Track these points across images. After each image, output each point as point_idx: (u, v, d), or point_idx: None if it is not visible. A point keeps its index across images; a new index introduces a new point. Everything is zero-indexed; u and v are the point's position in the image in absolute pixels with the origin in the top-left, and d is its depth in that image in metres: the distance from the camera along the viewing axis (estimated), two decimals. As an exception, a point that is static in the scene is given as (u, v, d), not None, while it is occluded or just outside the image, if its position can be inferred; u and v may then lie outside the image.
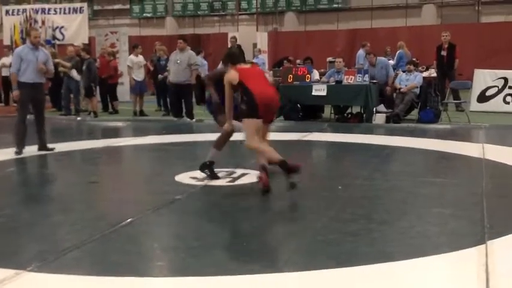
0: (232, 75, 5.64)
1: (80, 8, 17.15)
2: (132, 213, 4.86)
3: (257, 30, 22.96)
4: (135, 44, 14.47)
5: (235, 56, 5.92)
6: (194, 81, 11.73)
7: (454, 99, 12.54)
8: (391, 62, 14.59)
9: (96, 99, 13.37)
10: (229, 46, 13.85)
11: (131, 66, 13.29)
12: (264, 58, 16.76)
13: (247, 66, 5.88)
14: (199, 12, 26.34)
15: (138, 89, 13.30)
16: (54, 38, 16.87)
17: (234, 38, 15.07)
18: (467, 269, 3.53)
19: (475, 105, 12.54)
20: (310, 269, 3.57)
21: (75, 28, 16.96)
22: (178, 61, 11.55)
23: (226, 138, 6.14)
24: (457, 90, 12.52)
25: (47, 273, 3.59)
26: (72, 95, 13.47)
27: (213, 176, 6.12)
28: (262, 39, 21.23)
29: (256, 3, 24.70)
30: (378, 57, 11.95)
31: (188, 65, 11.58)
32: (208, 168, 6.12)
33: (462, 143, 8.78)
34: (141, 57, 13.50)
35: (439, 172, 6.82)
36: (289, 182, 5.31)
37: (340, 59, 12.14)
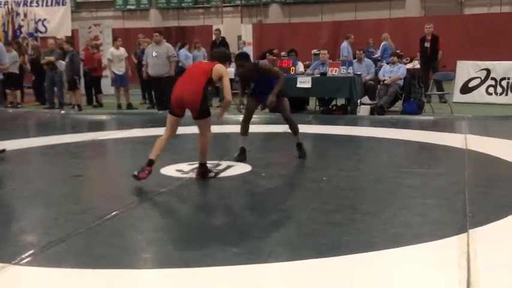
0: None
1: (63, 0, 16.97)
2: (117, 206, 4.86)
3: (241, 22, 22.92)
4: (115, 37, 14.38)
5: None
6: (173, 73, 11.79)
7: (437, 91, 12.63)
8: (377, 54, 14.70)
9: (80, 92, 13.27)
10: (213, 39, 13.82)
11: (111, 59, 13.21)
12: (249, 50, 16.73)
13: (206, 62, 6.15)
14: (183, 5, 26.19)
15: (119, 82, 13.23)
16: (36, 30, 16.69)
17: (218, 30, 15.04)
18: (449, 258, 3.58)
19: (458, 97, 12.66)
20: (295, 260, 3.61)
21: (57, 21, 16.78)
22: (155, 54, 11.57)
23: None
24: (441, 81, 12.62)
25: (33, 267, 3.59)
26: (55, 88, 13.37)
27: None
28: (246, 31, 21.22)
29: (241, -5, 24.64)
30: (366, 58, 12.09)
31: (167, 58, 11.62)
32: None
33: (445, 134, 8.86)
34: (122, 50, 13.41)
35: (423, 163, 6.89)
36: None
37: (325, 51, 12.18)
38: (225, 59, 6.07)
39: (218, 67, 5.75)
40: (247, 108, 6.92)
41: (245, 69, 6.61)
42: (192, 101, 5.67)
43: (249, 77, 6.73)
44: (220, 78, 5.75)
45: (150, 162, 5.68)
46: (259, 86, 6.74)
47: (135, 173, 5.60)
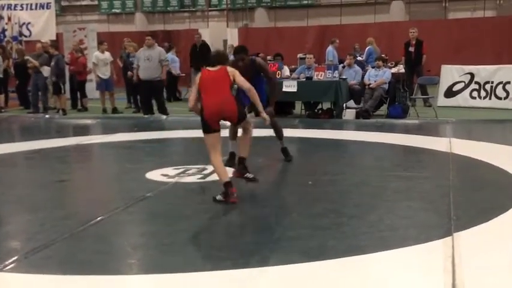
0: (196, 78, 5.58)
1: (47, 3, 16.83)
2: (102, 211, 4.83)
3: (227, 26, 22.91)
4: (101, 41, 14.31)
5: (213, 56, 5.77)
6: (165, 77, 11.91)
7: (422, 95, 12.72)
8: (360, 58, 14.77)
9: (64, 96, 13.17)
10: (195, 43, 13.80)
11: (96, 63, 13.15)
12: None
13: (214, 68, 5.53)
14: (169, 8, 26.15)
15: (104, 87, 13.18)
16: (21, 34, 16.55)
17: (199, 34, 15.03)
18: (434, 261, 3.61)
19: (442, 101, 12.75)
20: (281, 264, 3.61)
21: (42, 24, 16.66)
22: (148, 58, 11.53)
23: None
24: (425, 85, 12.71)
25: (17, 273, 3.56)
26: (40, 93, 13.27)
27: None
28: (232, 35, 21.21)
29: (227, -1, 24.67)
30: (355, 65, 12.15)
31: (159, 61, 11.60)
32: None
33: (430, 138, 8.92)
34: (107, 54, 13.34)
35: (408, 166, 6.93)
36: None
37: (311, 55, 12.21)
38: (226, 61, 5.79)
39: (230, 69, 5.53)
40: None
41: (244, 63, 6.36)
42: (232, 110, 5.40)
43: (244, 73, 6.48)
44: (234, 79, 5.51)
45: (229, 184, 5.22)
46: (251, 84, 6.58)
47: (221, 198, 5.19)
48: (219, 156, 5.36)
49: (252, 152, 6.90)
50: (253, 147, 6.78)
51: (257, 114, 6.02)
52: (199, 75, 5.50)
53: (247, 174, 5.83)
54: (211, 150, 5.35)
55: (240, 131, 6.30)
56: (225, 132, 5.99)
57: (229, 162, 6.64)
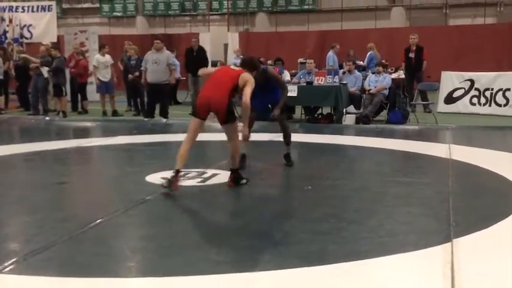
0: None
1: (49, 6, 16.87)
2: (101, 214, 4.83)
3: (228, 30, 22.97)
4: (102, 44, 14.35)
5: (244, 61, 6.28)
6: (174, 81, 12.25)
7: (422, 101, 12.74)
8: (361, 63, 14.79)
9: (65, 99, 13.18)
10: (191, 46, 13.81)
11: (97, 66, 13.18)
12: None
13: (235, 68, 6.08)
14: (170, 12, 26.20)
15: (104, 89, 13.20)
16: (22, 36, 16.57)
17: (196, 38, 15.06)
18: (434, 267, 3.61)
19: (442, 107, 12.77)
20: (281, 268, 3.60)
21: (43, 26, 16.68)
22: (156, 61, 11.59)
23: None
24: (425, 91, 12.73)
25: (16, 275, 3.55)
26: (39, 94, 13.27)
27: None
28: (233, 39, 21.25)
29: (228, 3, 24.70)
30: (356, 71, 12.15)
31: (167, 65, 11.66)
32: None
33: (429, 144, 8.94)
34: (108, 57, 13.37)
35: (407, 172, 6.93)
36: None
37: (312, 60, 12.24)
38: (253, 68, 6.08)
39: (245, 75, 5.83)
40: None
41: (257, 73, 6.45)
42: (218, 104, 5.71)
43: (257, 82, 6.61)
44: (243, 86, 5.76)
45: (177, 172, 5.65)
46: (262, 93, 6.67)
47: (165, 184, 5.59)
48: (189, 142, 5.79)
49: (252, 156, 6.92)
50: (253, 151, 6.80)
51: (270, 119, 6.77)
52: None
53: (242, 180, 5.99)
54: (187, 133, 5.85)
55: (251, 134, 6.48)
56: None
57: (240, 164, 6.68)
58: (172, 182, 5.55)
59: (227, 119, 5.77)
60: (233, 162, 5.98)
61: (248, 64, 6.11)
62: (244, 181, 6.00)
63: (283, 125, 7.05)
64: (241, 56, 16.83)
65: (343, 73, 11.98)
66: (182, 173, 5.77)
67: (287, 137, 7.10)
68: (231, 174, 6.00)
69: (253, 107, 6.25)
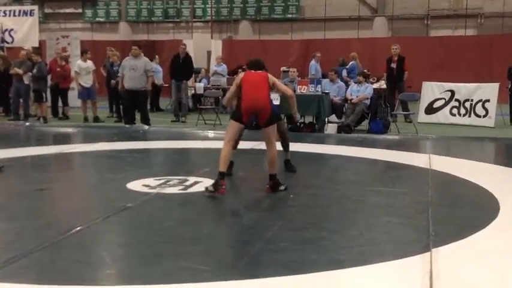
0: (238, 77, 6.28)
1: (31, 10, 16.74)
2: (81, 221, 4.80)
3: (212, 38, 23.00)
4: (84, 49, 14.28)
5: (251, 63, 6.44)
6: (150, 87, 12.02)
7: (403, 111, 12.87)
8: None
9: (45, 104, 13.08)
10: (178, 53, 13.81)
11: (78, 72, 13.11)
12: (225, 66, 16.85)
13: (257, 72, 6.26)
14: (153, 19, 26.15)
15: (86, 95, 13.14)
16: (3, 40, 16.41)
17: (184, 45, 15.08)
18: (413, 276, 3.64)
19: (422, 117, 12.91)
20: (262, 277, 3.61)
21: (25, 31, 16.54)
22: (134, 68, 11.51)
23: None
24: (406, 101, 12.87)
25: (-7, 283, 3.51)
26: (21, 100, 13.16)
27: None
28: (216, 47, 21.29)
29: (211, 11, 24.74)
30: (339, 81, 12.24)
31: (144, 72, 11.59)
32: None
33: (410, 154, 9.02)
34: (89, 63, 13.31)
35: (388, 181, 6.99)
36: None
37: (294, 69, 12.29)
38: (263, 67, 6.38)
39: (271, 76, 6.24)
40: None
41: None
42: (264, 108, 5.96)
43: None
44: (274, 85, 6.19)
45: (222, 175, 5.78)
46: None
47: (211, 188, 5.68)
48: (229, 145, 5.97)
49: (234, 165, 6.92)
50: (235, 160, 6.81)
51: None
52: (240, 75, 6.22)
53: (281, 187, 6.07)
54: (226, 136, 6.06)
55: (240, 142, 6.65)
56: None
57: (227, 170, 6.71)
58: (217, 185, 5.68)
59: (269, 122, 6.02)
60: (272, 168, 6.06)
61: (259, 64, 6.35)
62: (282, 187, 6.06)
63: (282, 131, 7.16)
64: (222, 63, 16.93)
65: (331, 81, 12.06)
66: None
67: (286, 142, 7.27)
68: (269, 180, 6.04)
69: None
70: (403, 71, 13.12)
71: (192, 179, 6.56)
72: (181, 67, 13.44)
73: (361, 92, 11.60)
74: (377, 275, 3.74)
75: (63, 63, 13.74)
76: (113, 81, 12.99)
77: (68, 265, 3.84)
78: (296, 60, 19.65)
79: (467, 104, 12.56)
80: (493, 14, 21.86)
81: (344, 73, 14.63)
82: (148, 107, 13.26)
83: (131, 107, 11.95)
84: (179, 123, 13.10)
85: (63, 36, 17.14)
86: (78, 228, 4.61)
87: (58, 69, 13.52)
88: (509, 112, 12.85)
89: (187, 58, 13.84)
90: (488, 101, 12.32)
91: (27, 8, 16.94)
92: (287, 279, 3.58)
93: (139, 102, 11.81)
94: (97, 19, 26.60)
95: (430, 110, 12.97)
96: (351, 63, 15.35)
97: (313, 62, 15.34)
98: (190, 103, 15.64)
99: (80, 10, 26.77)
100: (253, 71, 6.22)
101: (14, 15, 16.59)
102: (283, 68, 15.79)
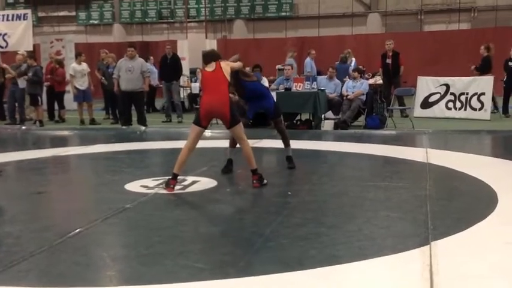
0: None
1: (24, 14, 16.68)
2: (80, 223, 4.80)
3: (206, 37, 22.98)
4: (78, 52, 14.27)
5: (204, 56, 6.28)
6: (147, 88, 12.09)
7: (398, 106, 12.90)
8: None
9: (41, 108, 13.07)
10: (165, 54, 13.80)
11: (74, 75, 13.10)
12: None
13: (211, 69, 6.05)
14: (147, 20, 26.14)
15: (81, 98, 13.13)
16: (-3, 45, 16.38)
17: (169, 45, 15.07)
18: (412, 270, 3.65)
19: (418, 111, 12.93)
20: (261, 274, 3.62)
21: (19, 35, 16.47)
22: (130, 69, 11.51)
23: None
24: (402, 96, 12.89)
25: (-7, 286, 3.51)
26: (17, 104, 13.14)
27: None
28: (211, 46, 21.23)
29: (205, 10, 24.73)
30: (336, 78, 12.26)
31: (141, 73, 11.60)
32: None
33: (407, 148, 9.04)
34: (84, 65, 13.30)
35: (385, 176, 7.00)
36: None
37: (289, 67, 12.31)
38: (217, 58, 6.16)
39: (223, 64, 6.01)
40: None
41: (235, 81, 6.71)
42: (222, 112, 5.92)
43: (240, 92, 6.90)
44: (240, 73, 6.21)
45: (175, 176, 5.92)
46: (251, 101, 6.99)
47: (164, 185, 5.95)
48: (188, 148, 6.01)
49: (233, 164, 6.91)
50: (234, 157, 6.80)
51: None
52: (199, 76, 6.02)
53: (264, 181, 6.16)
54: (188, 139, 6.04)
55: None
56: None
57: (226, 168, 6.86)
58: (168, 184, 5.91)
59: (233, 123, 5.98)
60: (250, 164, 6.09)
61: (209, 56, 6.17)
62: (265, 181, 6.13)
63: (280, 128, 7.22)
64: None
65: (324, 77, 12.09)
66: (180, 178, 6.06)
67: (286, 139, 7.29)
68: (253, 175, 6.09)
69: (246, 114, 6.47)
70: (398, 66, 13.15)
71: (190, 179, 6.56)
72: (169, 68, 13.43)
73: (356, 88, 11.61)
74: (377, 269, 3.74)
75: (57, 66, 13.71)
76: (103, 79, 12.98)
77: (67, 267, 3.84)
78: (291, 57, 19.60)
79: (463, 98, 12.59)
80: (486, 7, 21.92)
81: (350, 71, 14.66)
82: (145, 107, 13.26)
83: (128, 108, 11.95)
84: (171, 123, 13.08)
85: (57, 39, 17.11)
86: (77, 230, 4.61)
87: (49, 75, 13.49)
88: (502, 104, 12.93)
89: (175, 58, 13.81)
90: (483, 94, 12.35)
91: (21, 12, 16.86)
92: (286, 275, 3.59)
93: (136, 103, 11.83)
94: (91, 21, 26.58)
95: (426, 104, 13.00)
96: (353, 60, 15.31)
97: (308, 59, 15.34)
98: (186, 103, 15.63)
99: (74, 13, 26.75)
100: (207, 69, 6.02)
101: (8, 20, 16.52)
102: (278, 66, 15.78)
